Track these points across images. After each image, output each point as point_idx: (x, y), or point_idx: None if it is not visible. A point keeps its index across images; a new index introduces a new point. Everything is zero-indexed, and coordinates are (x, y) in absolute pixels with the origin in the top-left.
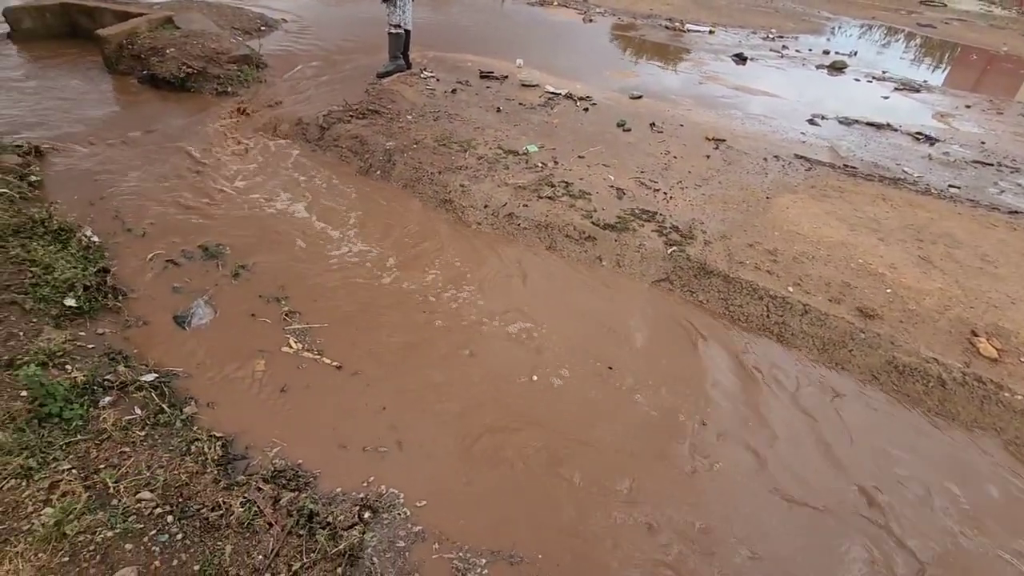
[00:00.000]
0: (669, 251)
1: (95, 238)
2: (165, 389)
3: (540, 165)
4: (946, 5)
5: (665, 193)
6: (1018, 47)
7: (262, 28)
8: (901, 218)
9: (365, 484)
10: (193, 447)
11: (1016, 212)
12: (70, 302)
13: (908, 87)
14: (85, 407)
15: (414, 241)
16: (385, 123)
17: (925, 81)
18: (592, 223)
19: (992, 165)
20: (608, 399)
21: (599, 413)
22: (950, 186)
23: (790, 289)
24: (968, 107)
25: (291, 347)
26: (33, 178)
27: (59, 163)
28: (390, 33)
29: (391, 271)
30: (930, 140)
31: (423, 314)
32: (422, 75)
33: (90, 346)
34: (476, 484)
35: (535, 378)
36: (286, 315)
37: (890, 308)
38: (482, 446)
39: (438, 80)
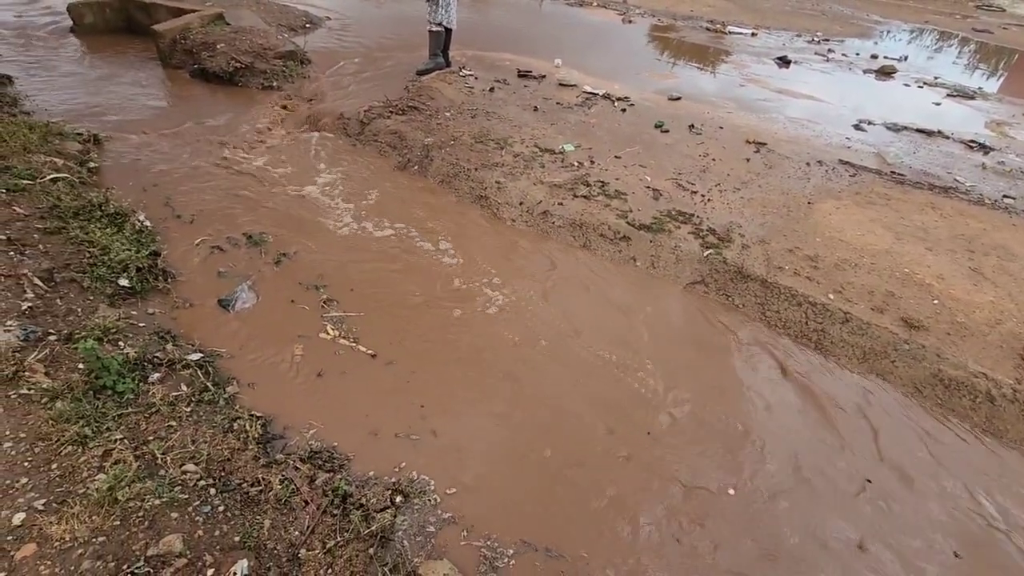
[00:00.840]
0: (705, 254)
1: (147, 223)
2: (209, 368)
3: (576, 164)
4: (1004, 10)
5: (703, 195)
6: None
7: (307, 25)
8: (951, 228)
9: (397, 470)
10: (235, 425)
11: None
12: (124, 282)
13: (961, 93)
14: (136, 382)
15: (450, 236)
16: (424, 119)
17: (979, 88)
18: (627, 223)
19: None
20: (639, 404)
21: (628, 415)
22: (1005, 196)
23: (831, 296)
24: None
25: (328, 334)
26: (92, 164)
27: (115, 151)
28: (431, 31)
29: (427, 264)
30: (984, 148)
31: (457, 308)
32: (461, 73)
33: (141, 324)
34: (507, 477)
35: (568, 376)
36: (324, 303)
37: (937, 320)
38: (513, 441)
39: (476, 78)
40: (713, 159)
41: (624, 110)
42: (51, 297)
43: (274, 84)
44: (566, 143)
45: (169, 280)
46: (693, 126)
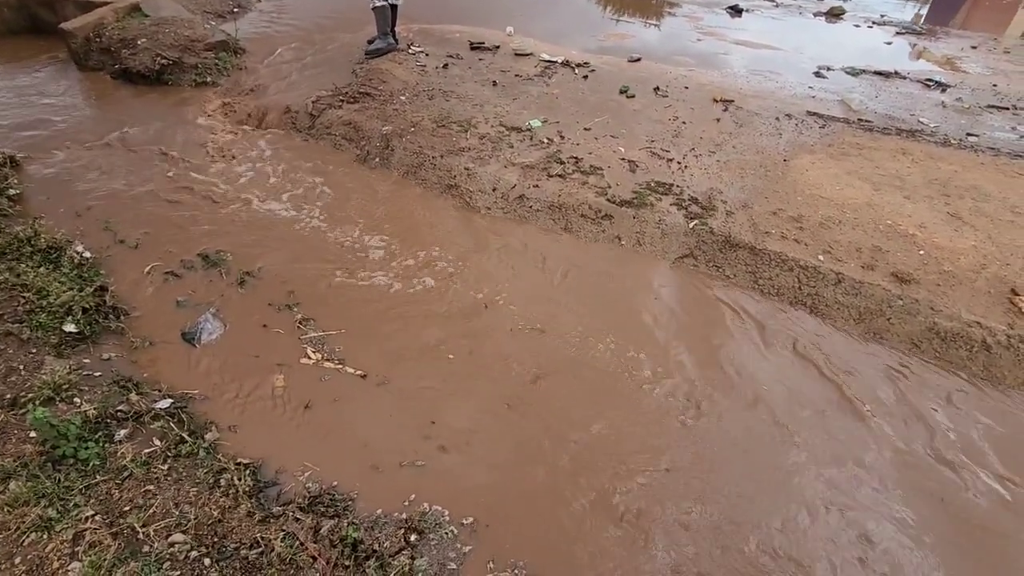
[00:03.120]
0: (691, 225)
1: (87, 253)
2: (183, 415)
3: (546, 141)
4: None
5: (679, 163)
6: None
7: (235, 10)
8: (924, 173)
9: (406, 503)
10: (222, 479)
11: None
12: (70, 327)
13: (910, 31)
14: (101, 443)
15: (423, 231)
16: (378, 106)
17: (924, 23)
18: (608, 200)
19: (1008, 109)
20: (647, 395)
21: (643, 411)
22: (968, 135)
23: (820, 258)
24: (974, 48)
25: (310, 358)
26: (12, 191)
27: (37, 172)
28: (374, 7)
29: (402, 266)
30: (941, 87)
31: (443, 311)
32: (410, 51)
33: (97, 374)
34: (524, 493)
35: (575, 372)
36: (300, 323)
37: (925, 271)
38: (526, 452)
39: (427, 55)
40: (684, 122)
41: (586, 77)
42: None
43: (208, 79)
44: (532, 119)
45: (122, 317)
46: (658, 88)
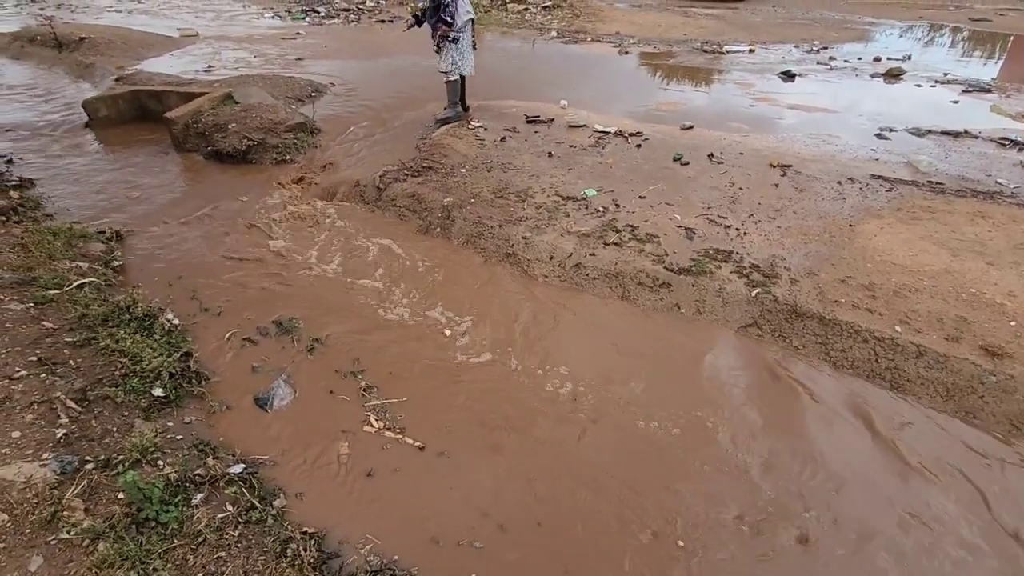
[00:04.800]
0: (753, 293)
1: (176, 320)
2: (253, 481)
3: (601, 209)
4: None
5: (737, 229)
6: None
7: (312, 94)
8: (1008, 237)
9: None
10: (288, 548)
11: None
12: (158, 392)
13: (978, 88)
14: (179, 507)
15: (483, 300)
16: (440, 178)
17: (994, 79)
18: (665, 268)
19: None
20: (724, 480)
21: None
22: None
23: (898, 329)
24: None
25: (372, 426)
26: (116, 263)
27: (138, 246)
28: (447, 81)
29: (465, 336)
30: (1018, 145)
31: (505, 383)
32: (470, 126)
33: (179, 437)
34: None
35: (641, 452)
36: (364, 390)
37: (1020, 344)
38: (584, 536)
39: (486, 129)
40: (740, 188)
41: (639, 146)
42: (85, 419)
43: (287, 157)
44: (587, 188)
45: (203, 382)
46: (712, 155)
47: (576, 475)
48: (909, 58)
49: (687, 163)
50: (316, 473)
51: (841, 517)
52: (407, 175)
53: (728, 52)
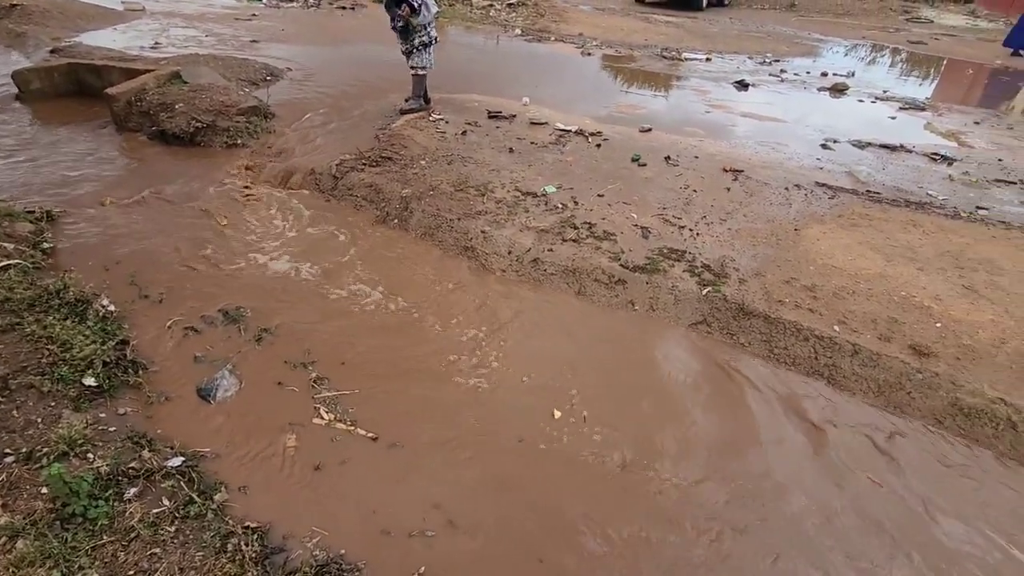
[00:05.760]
0: (704, 292)
1: (112, 307)
2: (193, 475)
3: (560, 206)
4: (932, 21)
5: (691, 230)
6: (1010, 59)
7: (268, 78)
8: (936, 245)
9: (415, 575)
10: (229, 544)
11: None
12: (89, 381)
13: (913, 106)
14: (110, 502)
15: (440, 293)
16: (399, 169)
17: (927, 99)
18: (621, 265)
19: (1016, 184)
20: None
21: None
22: (978, 208)
23: (836, 328)
24: (977, 123)
25: (322, 418)
26: (46, 245)
27: (71, 227)
28: (416, 75)
29: (419, 327)
30: (947, 160)
31: (459, 373)
32: (431, 118)
33: (111, 429)
34: (541, 569)
35: (594, 442)
36: (314, 382)
37: (944, 344)
38: (539, 526)
39: (447, 122)
40: (694, 190)
41: (599, 145)
42: (6, 408)
43: (238, 142)
44: (547, 185)
45: (140, 372)
46: (669, 157)
47: (532, 467)
48: (853, 75)
49: (644, 164)
50: (261, 466)
51: (768, 491)
52: (365, 165)
53: (686, 59)
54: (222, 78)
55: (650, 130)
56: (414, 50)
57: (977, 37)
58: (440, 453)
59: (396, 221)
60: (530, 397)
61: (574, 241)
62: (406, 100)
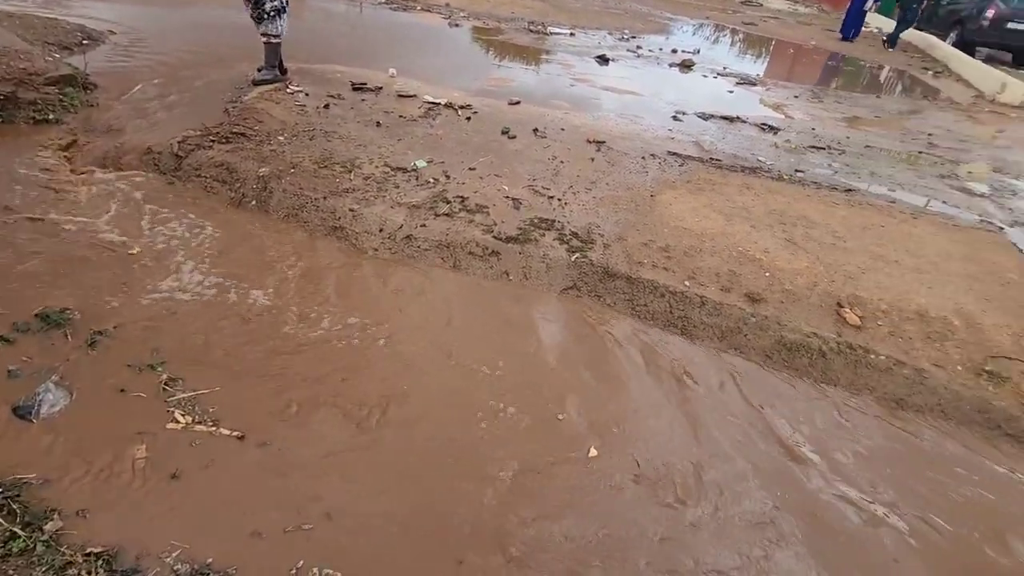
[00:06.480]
0: (573, 258)
1: None
2: (14, 506)
3: (432, 181)
4: (762, 4)
5: (559, 199)
6: (823, 41)
7: (84, 42)
8: (765, 205)
9: (294, 571)
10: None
11: (850, 190)
12: None
13: (746, 81)
14: None
15: (305, 276)
16: (254, 146)
17: (758, 75)
18: (494, 237)
19: (824, 149)
20: (552, 444)
21: (551, 456)
22: (796, 171)
23: (686, 283)
24: (796, 97)
25: (178, 422)
26: None
27: None
28: (269, 43)
29: (284, 314)
30: (773, 130)
31: (328, 361)
32: (288, 90)
33: None
34: (423, 546)
35: (475, 414)
36: (165, 384)
37: (771, 290)
38: (420, 500)
39: (307, 95)
40: (562, 161)
41: (469, 118)
42: None
43: (50, 117)
44: (417, 159)
45: None
46: (537, 129)
47: (410, 449)
48: (698, 52)
49: (514, 137)
50: (105, 485)
51: (629, 417)
52: (214, 142)
53: (552, 33)
54: (21, 40)
55: (519, 103)
56: (265, 16)
57: (797, 20)
58: (315, 444)
59: (254, 203)
60: (406, 374)
61: (447, 215)
62: (259, 70)
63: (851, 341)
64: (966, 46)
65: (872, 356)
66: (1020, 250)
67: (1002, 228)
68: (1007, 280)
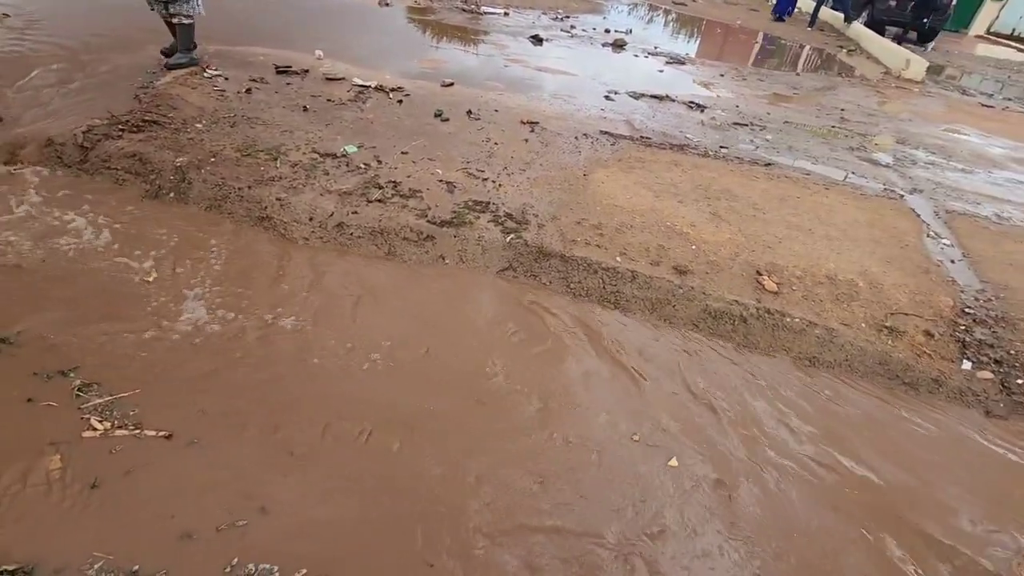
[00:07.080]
0: (508, 239)
1: None
2: None
3: (363, 166)
4: None
5: (494, 181)
6: (748, 20)
7: None
8: (691, 180)
9: (228, 569)
10: None
11: (769, 164)
12: None
13: (676, 60)
14: None
15: (231, 268)
16: (170, 135)
17: (687, 54)
18: (428, 222)
19: (747, 125)
20: (492, 424)
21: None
22: (721, 147)
23: (618, 259)
24: (722, 75)
25: (95, 429)
26: None
27: None
28: (182, 24)
29: (208, 309)
30: (700, 108)
31: (260, 350)
32: (206, 73)
33: None
34: (360, 534)
35: (406, 400)
36: (79, 390)
37: (697, 262)
38: (352, 497)
39: (227, 79)
40: (496, 143)
41: (400, 101)
42: None
43: None
44: (347, 144)
45: None
46: (471, 112)
47: (346, 440)
48: (631, 32)
49: (447, 119)
50: (14, 501)
51: (562, 391)
52: (123, 131)
53: (486, 13)
54: None
55: (452, 84)
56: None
57: (725, 1)
58: (248, 439)
59: (172, 195)
60: (338, 359)
61: (380, 201)
62: (168, 55)
63: (769, 306)
64: (875, 25)
65: (787, 319)
66: (917, 215)
67: (902, 195)
68: (906, 243)
